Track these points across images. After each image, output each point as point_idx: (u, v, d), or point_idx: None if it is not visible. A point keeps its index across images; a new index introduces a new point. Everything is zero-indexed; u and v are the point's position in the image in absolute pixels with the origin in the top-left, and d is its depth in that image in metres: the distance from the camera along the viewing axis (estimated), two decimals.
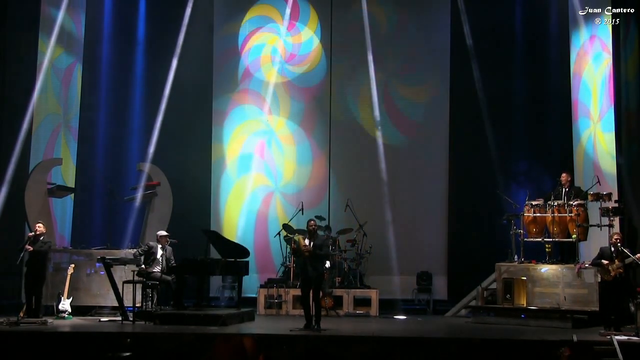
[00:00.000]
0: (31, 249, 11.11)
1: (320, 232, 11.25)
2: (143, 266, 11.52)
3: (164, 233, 11.95)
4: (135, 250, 11.80)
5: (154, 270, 11.52)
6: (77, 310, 11.83)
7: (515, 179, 14.07)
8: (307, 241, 10.43)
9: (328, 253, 11.15)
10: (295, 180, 14.89)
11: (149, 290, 11.48)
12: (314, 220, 10.72)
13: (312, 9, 15.13)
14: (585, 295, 11.05)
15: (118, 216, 14.01)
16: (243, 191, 14.78)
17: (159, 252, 11.64)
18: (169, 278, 11.50)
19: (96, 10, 14.59)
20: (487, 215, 13.23)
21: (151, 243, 11.79)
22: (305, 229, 10.87)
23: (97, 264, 12.05)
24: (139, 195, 13.68)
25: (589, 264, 10.90)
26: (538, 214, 11.82)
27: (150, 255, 11.62)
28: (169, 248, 11.81)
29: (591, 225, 11.63)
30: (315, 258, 10.34)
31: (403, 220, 14.48)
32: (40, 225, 11.41)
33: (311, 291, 10.32)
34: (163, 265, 11.60)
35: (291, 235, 13.32)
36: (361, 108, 14.93)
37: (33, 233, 11.33)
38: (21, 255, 11.05)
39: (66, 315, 11.41)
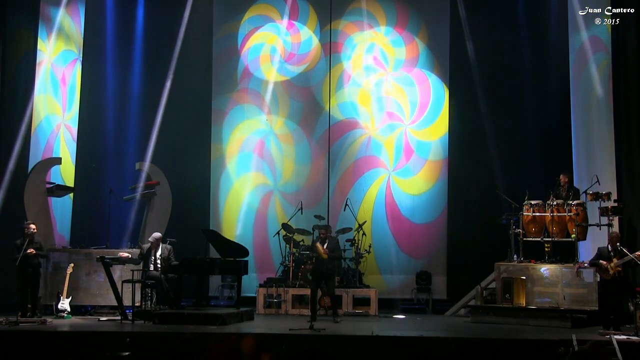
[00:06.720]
0: (33, 251, 11.08)
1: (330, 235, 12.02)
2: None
3: (156, 235, 11.92)
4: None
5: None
6: (76, 309, 11.83)
7: (514, 178, 14.05)
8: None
9: (341, 254, 12.47)
10: (295, 180, 14.87)
11: (148, 290, 11.49)
12: (323, 229, 11.72)
13: (311, 8, 15.11)
14: (585, 294, 11.07)
15: (117, 215, 13.98)
16: (242, 190, 14.77)
17: (152, 253, 11.68)
18: (161, 276, 11.47)
19: (96, 9, 14.57)
20: (486, 214, 13.21)
21: (144, 246, 11.85)
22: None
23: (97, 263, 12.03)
24: (138, 194, 13.68)
25: (588, 264, 10.92)
26: (537, 214, 11.83)
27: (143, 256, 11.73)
28: (168, 247, 11.81)
29: (590, 225, 11.65)
30: (330, 259, 11.48)
31: (402, 219, 14.50)
32: (33, 225, 11.32)
33: (321, 288, 11.47)
34: (157, 265, 11.61)
35: (290, 235, 13.34)
36: (361, 107, 14.92)
37: (30, 232, 11.25)
38: (20, 255, 11.02)
39: (65, 315, 11.42)
